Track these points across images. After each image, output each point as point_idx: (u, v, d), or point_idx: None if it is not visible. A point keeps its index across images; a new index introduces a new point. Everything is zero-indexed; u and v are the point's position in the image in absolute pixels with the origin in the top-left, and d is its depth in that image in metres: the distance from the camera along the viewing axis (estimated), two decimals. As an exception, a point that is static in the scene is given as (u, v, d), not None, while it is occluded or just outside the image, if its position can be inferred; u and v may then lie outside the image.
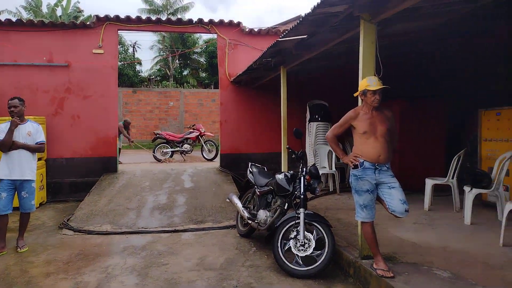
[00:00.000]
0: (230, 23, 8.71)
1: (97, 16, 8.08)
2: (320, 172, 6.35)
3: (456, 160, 5.64)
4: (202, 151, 12.00)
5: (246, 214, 4.81)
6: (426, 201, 5.79)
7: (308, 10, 3.85)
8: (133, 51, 30.77)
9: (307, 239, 3.83)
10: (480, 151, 6.15)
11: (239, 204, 5.08)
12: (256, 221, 4.60)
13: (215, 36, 8.90)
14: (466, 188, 5.00)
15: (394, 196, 3.38)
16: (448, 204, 5.85)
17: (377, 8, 3.64)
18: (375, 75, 3.67)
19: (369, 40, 3.74)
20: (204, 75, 28.05)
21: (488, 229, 4.65)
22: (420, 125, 7.12)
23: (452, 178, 5.65)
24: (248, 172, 5.28)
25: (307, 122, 8.19)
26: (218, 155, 9.70)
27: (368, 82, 3.45)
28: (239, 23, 8.76)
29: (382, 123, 3.45)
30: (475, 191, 4.91)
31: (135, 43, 30.80)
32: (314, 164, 6.71)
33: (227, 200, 5.50)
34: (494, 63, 6.50)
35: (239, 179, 8.05)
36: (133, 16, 8.26)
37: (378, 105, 3.47)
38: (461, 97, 7.24)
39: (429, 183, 5.79)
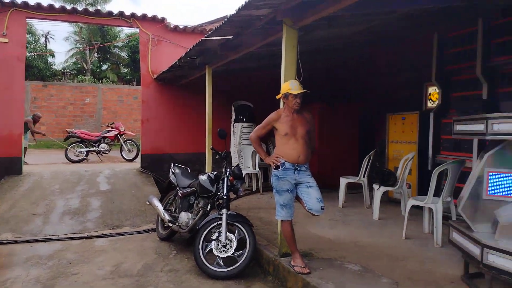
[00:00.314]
0: (154, 18, 8.39)
1: (1, 1, 7.20)
2: (244, 172, 6.43)
3: (367, 160, 6.11)
4: (121, 151, 11.34)
5: (167, 217, 4.65)
6: (340, 198, 6.18)
7: (234, 11, 3.86)
8: (45, 41, 28.13)
9: (228, 240, 3.82)
10: (387, 152, 6.74)
11: (159, 206, 4.90)
12: (177, 223, 4.47)
13: (137, 30, 8.51)
14: (375, 186, 5.44)
15: (311, 195, 3.53)
16: (360, 201, 6.31)
17: (299, 14, 3.77)
18: (296, 79, 3.81)
19: (291, 44, 3.86)
20: (126, 70, 26.68)
21: (393, 224, 5.10)
22: (336, 127, 7.59)
23: (364, 177, 6.11)
24: (170, 173, 5.12)
25: (232, 123, 8.23)
26: (139, 156, 9.29)
27: (290, 85, 3.55)
28: (163, 19, 8.48)
29: (302, 125, 3.59)
30: (383, 188, 5.36)
31: (48, 33, 28.19)
32: (238, 164, 6.76)
33: (147, 202, 5.27)
34: (400, 71, 7.19)
35: (161, 181, 7.78)
36: (45, 4, 7.52)
37: (299, 108, 3.60)
38: (372, 102, 7.88)
39: (343, 181, 6.19)
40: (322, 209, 3.53)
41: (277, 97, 3.75)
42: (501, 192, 3.00)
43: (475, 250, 2.94)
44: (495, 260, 2.74)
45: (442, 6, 4.29)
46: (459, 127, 3.38)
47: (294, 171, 3.54)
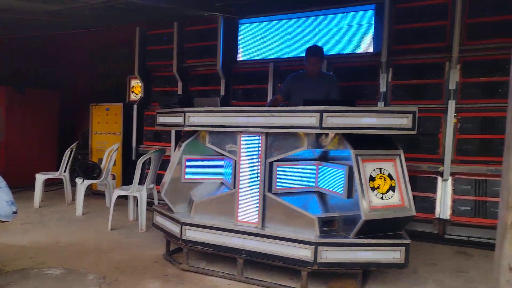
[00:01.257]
0: None
1: None
2: None
3: (68, 153, 5.66)
4: None
5: None
6: (37, 197, 5.43)
7: None
8: None
9: None
10: (91, 144, 6.48)
11: None
12: None
13: None
14: (78, 180, 5.12)
15: (-2, 197, 2.87)
16: (61, 198, 5.77)
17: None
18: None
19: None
20: None
21: (98, 217, 4.96)
22: (29, 116, 6.61)
23: (65, 171, 5.63)
24: None
25: None
26: None
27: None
28: None
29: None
30: (87, 182, 5.12)
31: None
32: None
33: None
34: (105, 61, 7.08)
35: None
36: None
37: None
38: (75, 91, 7.36)
39: (40, 178, 5.47)
40: (15, 213, 2.94)
41: None
42: (195, 175, 3.51)
43: (175, 228, 3.30)
44: (191, 234, 3.18)
45: (144, 4, 4.52)
46: (162, 119, 3.68)
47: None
